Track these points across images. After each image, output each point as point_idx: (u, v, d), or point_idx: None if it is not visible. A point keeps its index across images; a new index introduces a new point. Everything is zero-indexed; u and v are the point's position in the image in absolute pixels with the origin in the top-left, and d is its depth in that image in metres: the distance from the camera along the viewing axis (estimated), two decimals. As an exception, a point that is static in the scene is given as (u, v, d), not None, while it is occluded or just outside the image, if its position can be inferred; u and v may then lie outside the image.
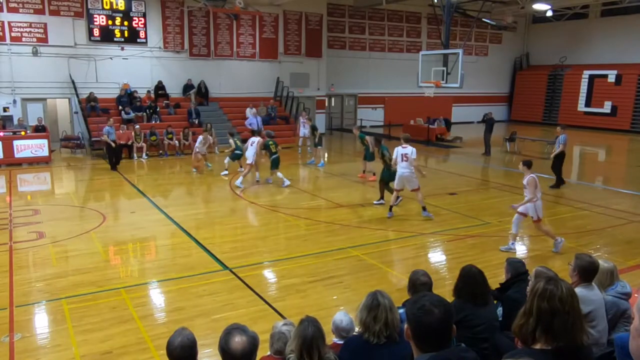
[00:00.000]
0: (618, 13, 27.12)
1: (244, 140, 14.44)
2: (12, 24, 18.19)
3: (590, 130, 26.80)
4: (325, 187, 13.96)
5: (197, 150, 14.95)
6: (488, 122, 18.92)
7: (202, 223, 10.02)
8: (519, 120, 31.18)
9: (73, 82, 18.99)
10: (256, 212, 10.91)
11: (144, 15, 20.29)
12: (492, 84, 31.86)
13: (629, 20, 26.72)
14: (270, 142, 13.30)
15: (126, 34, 20.02)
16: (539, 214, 8.10)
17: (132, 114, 18.80)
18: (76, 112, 19.51)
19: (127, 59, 20.17)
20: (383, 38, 27.80)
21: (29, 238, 8.83)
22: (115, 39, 19.82)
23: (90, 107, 18.80)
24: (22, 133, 16.42)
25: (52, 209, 10.98)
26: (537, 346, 2.25)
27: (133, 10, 20.07)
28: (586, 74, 28.36)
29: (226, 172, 14.48)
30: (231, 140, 14.63)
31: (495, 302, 4.26)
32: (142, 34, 20.34)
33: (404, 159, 9.84)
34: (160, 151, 18.13)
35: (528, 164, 8.12)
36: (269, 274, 7.53)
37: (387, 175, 10.91)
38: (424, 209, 10.11)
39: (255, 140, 13.23)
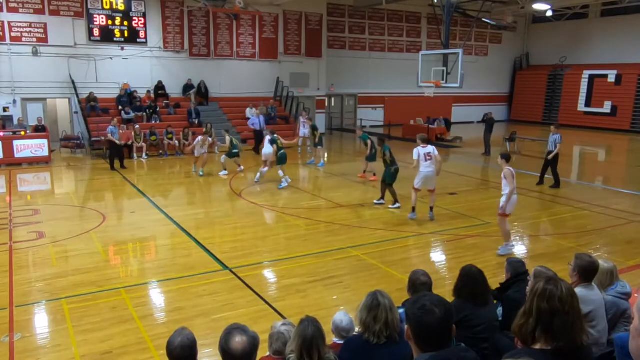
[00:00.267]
0: (618, 13, 27.13)
1: (244, 141, 14.41)
2: (12, 24, 18.19)
3: (590, 130, 26.81)
4: (325, 187, 13.96)
5: (197, 154, 14.90)
6: (488, 122, 18.91)
7: (202, 223, 10.02)
8: (519, 120, 31.19)
9: (73, 82, 19.00)
10: (256, 212, 10.90)
11: (144, 15, 20.29)
12: (492, 84, 31.86)
13: (629, 20, 26.72)
14: (277, 138, 13.35)
15: (126, 34, 20.03)
16: (509, 210, 7.95)
17: (132, 114, 18.81)
18: (76, 112, 19.52)
19: (127, 59, 20.18)
20: (383, 38, 27.80)
21: (29, 238, 8.83)
22: (115, 39, 19.83)
23: (90, 107, 18.80)
24: (22, 133, 16.42)
25: (52, 209, 10.98)
26: (537, 346, 2.25)
27: (133, 10, 20.07)
28: (586, 74, 28.36)
29: (225, 172, 14.47)
30: (228, 138, 14.61)
31: (495, 302, 4.26)
32: (142, 34, 20.34)
33: (428, 158, 9.71)
34: (160, 151, 18.13)
35: (506, 158, 8.07)
36: (269, 274, 7.53)
37: (389, 176, 10.89)
38: (431, 209, 10.10)
39: (269, 137, 13.38)
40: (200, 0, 19.88)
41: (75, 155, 18.14)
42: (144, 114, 19.39)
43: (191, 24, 21.40)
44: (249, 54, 22.84)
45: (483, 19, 26.62)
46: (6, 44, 18.15)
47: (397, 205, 10.88)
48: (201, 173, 14.51)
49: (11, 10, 18.10)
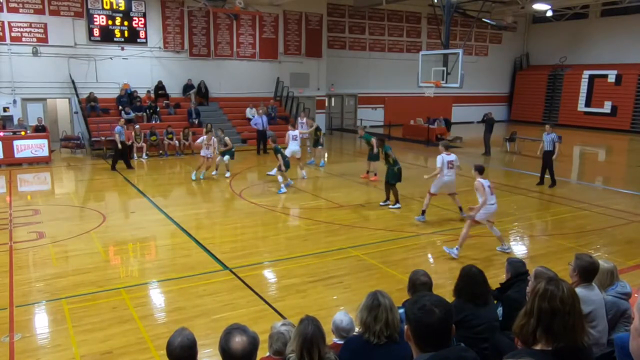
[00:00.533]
0: (618, 13, 27.12)
1: (244, 141, 14.36)
2: (12, 24, 18.19)
3: (590, 130, 26.81)
4: (325, 187, 13.96)
5: (204, 155, 14.20)
6: (488, 122, 18.90)
7: (202, 223, 10.02)
8: (519, 120, 31.17)
9: (73, 82, 19.00)
10: (256, 212, 10.89)
11: (144, 15, 20.29)
12: (492, 84, 31.86)
13: (629, 20, 26.72)
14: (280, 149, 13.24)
15: (126, 34, 20.03)
16: (481, 217, 7.95)
17: (132, 114, 18.80)
18: (76, 112, 19.52)
19: (127, 59, 20.18)
20: (383, 38, 27.80)
21: (29, 238, 8.83)
22: (115, 39, 19.83)
23: (90, 107, 18.80)
24: (22, 133, 16.42)
25: (52, 209, 10.98)
26: (538, 347, 2.25)
27: (133, 10, 20.07)
28: (586, 74, 28.36)
29: (228, 172, 14.45)
30: (227, 139, 14.52)
31: (495, 302, 4.26)
32: (142, 34, 20.34)
33: (450, 166, 9.83)
34: (160, 151, 18.13)
35: (480, 170, 8.13)
36: (269, 274, 7.53)
37: (392, 176, 10.88)
38: (461, 209, 10.21)
39: (296, 133, 13.45)
40: (200, 0, 19.88)
41: (75, 155, 18.13)
42: (144, 114, 19.39)
43: (191, 24, 21.40)
44: (249, 54, 22.84)
45: (483, 19, 26.61)
46: (6, 44, 18.15)
47: (398, 205, 10.88)
48: (202, 177, 14.31)
49: (11, 10, 18.10)
